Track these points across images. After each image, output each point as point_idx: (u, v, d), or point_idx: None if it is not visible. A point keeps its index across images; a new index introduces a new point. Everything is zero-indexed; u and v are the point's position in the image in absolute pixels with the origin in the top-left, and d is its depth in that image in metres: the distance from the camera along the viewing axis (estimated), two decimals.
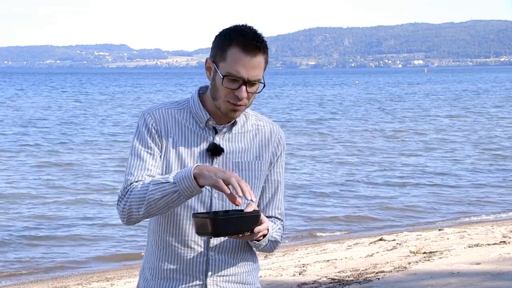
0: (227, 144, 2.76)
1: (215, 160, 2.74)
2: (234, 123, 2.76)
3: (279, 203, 2.88)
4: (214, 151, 2.73)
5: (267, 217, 2.83)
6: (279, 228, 2.83)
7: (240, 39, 2.65)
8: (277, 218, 2.87)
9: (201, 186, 2.57)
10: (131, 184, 2.68)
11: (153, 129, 2.73)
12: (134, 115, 38.64)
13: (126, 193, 2.68)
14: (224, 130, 2.76)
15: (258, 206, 2.83)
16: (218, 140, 2.75)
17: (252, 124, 2.82)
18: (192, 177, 2.55)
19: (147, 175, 2.69)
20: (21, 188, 16.08)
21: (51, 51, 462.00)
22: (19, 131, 29.41)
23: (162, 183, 2.60)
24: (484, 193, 15.70)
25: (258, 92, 2.72)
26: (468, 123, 33.01)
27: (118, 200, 2.71)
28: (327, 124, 33.35)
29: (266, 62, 2.73)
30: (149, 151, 2.72)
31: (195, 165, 2.59)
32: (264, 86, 2.72)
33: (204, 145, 2.74)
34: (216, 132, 2.75)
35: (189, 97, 2.81)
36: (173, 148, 2.74)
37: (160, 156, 2.74)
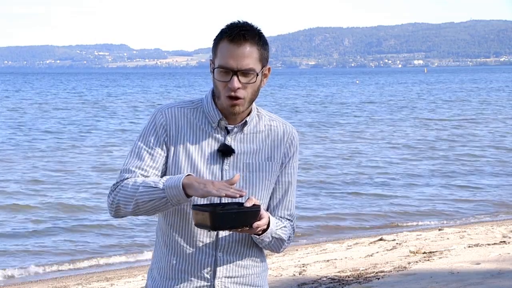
0: (239, 145, 2.75)
1: (225, 161, 2.73)
2: (245, 123, 2.75)
3: (289, 204, 2.85)
4: (225, 152, 2.72)
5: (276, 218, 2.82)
6: (284, 226, 2.80)
7: (227, 32, 2.68)
8: (286, 219, 2.84)
9: (189, 197, 2.59)
10: (124, 180, 2.69)
11: (161, 129, 2.73)
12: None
13: (117, 188, 2.69)
14: (236, 130, 2.74)
15: (268, 207, 2.82)
16: (229, 140, 2.74)
17: (265, 124, 2.80)
18: (181, 187, 2.56)
19: (141, 175, 2.69)
20: (20, 187, 16.08)
21: (51, 51, 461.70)
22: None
23: (152, 187, 2.61)
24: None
25: (253, 83, 2.68)
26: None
27: (109, 193, 2.72)
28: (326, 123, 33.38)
29: (261, 52, 2.70)
30: (149, 150, 2.72)
31: (186, 174, 2.61)
32: (258, 75, 2.69)
33: (215, 146, 2.73)
34: (228, 132, 2.74)
35: (203, 97, 2.81)
36: (183, 148, 2.73)
37: (167, 157, 2.73)
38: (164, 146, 2.73)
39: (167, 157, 2.74)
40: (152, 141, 2.73)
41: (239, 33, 2.66)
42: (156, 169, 2.72)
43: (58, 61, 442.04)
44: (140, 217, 13.15)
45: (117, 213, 2.71)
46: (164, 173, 2.77)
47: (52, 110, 42.96)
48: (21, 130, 30.21)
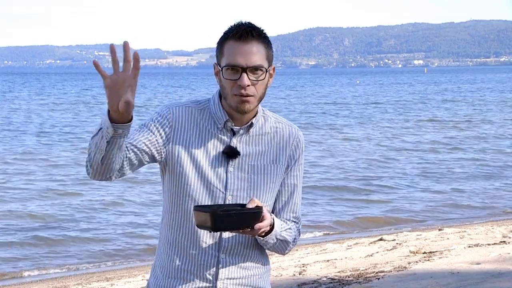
0: (244, 147, 2.74)
1: (230, 163, 2.72)
2: (251, 125, 2.74)
3: (295, 207, 2.84)
4: (230, 154, 2.71)
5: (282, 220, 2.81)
6: (289, 228, 2.79)
7: (233, 31, 2.68)
8: (292, 221, 2.83)
9: (112, 121, 2.42)
10: None
11: (166, 121, 2.71)
12: None
13: None
14: (241, 131, 2.74)
15: (273, 210, 2.81)
16: (235, 142, 2.73)
17: (271, 126, 2.80)
18: (107, 110, 2.44)
19: (129, 142, 2.63)
20: (20, 188, 16.08)
21: (51, 51, 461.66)
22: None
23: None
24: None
25: (262, 80, 2.68)
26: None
27: None
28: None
29: (268, 50, 2.71)
30: (148, 131, 2.68)
31: None
32: (267, 71, 2.69)
33: (221, 147, 2.72)
34: (234, 134, 2.74)
35: (210, 97, 2.80)
36: (188, 148, 2.72)
37: (165, 151, 2.70)
38: (165, 136, 2.70)
39: (166, 152, 2.72)
40: (154, 127, 2.69)
41: (246, 30, 2.66)
42: (148, 148, 2.66)
43: (58, 61, 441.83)
44: (141, 215, 13.15)
45: (87, 169, 2.59)
46: (163, 171, 2.77)
47: None
48: None
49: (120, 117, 2.41)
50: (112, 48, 2.36)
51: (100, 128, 2.47)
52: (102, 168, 2.54)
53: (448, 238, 10.00)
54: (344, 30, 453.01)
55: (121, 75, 2.38)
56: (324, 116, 37.95)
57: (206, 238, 2.73)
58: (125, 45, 2.36)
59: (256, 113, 2.77)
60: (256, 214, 2.59)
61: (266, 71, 2.69)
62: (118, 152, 2.51)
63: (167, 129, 2.71)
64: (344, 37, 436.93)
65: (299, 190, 2.85)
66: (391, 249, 9.42)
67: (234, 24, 2.70)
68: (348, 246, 10.17)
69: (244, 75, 2.64)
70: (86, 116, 38.28)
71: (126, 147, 2.61)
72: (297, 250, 10.33)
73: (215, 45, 2.77)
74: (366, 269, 8.16)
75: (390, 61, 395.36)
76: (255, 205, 2.60)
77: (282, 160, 2.79)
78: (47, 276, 9.98)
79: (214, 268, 2.74)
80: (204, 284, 2.74)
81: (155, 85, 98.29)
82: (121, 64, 2.42)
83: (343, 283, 7.47)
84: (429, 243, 9.64)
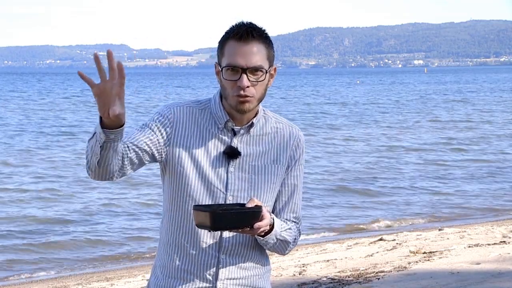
0: (245, 147, 2.74)
1: (231, 163, 2.72)
2: (252, 125, 2.74)
3: (295, 207, 2.84)
4: (231, 154, 2.72)
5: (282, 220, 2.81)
6: (289, 228, 2.79)
7: (234, 31, 2.67)
8: (292, 221, 2.83)
9: (103, 126, 2.43)
10: None
11: (167, 121, 2.70)
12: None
13: None
14: (242, 132, 2.73)
15: (274, 210, 2.81)
16: (236, 142, 2.73)
17: (272, 126, 2.80)
18: (99, 116, 2.44)
19: (130, 142, 2.63)
20: (19, 189, 16.08)
21: (51, 51, 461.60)
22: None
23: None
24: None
25: (261, 81, 2.67)
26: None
27: None
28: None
29: (269, 51, 2.70)
30: (149, 130, 2.69)
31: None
32: (268, 72, 2.69)
33: (221, 148, 2.72)
34: (234, 134, 2.74)
35: (211, 97, 2.80)
36: (189, 148, 2.71)
37: (166, 150, 2.70)
38: (166, 136, 2.70)
39: (166, 152, 2.72)
40: (154, 127, 2.69)
41: (246, 31, 2.65)
42: (149, 147, 2.66)
43: (58, 61, 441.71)
44: (140, 216, 13.14)
45: (87, 170, 2.59)
46: (164, 171, 2.77)
47: None
48: None
49: (111, 123, 2.42)
50: (96, 57, 2.36)
51: (95, 133, 2.49)
52: (100, 170, 2.55)
53: (448, 238, 10.00)
54: (344, 30, 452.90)
55: (108, 83, 2.38)
56: (324, 116, 37.97)
57: (206, 238, 2.73)
58: (109, 54, 2.37)
59: (257, 113, 2.76)
60: (256, 213, 2.59)
61: (267, 72, 2.69)
62: (114, 155, 2.52)
63: (168, 129, 2.71)
64: (344, 37, 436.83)
65: (300, 190, 2.84)
66: (391, 249, 9.42)
67: (236, 24, 2.69)
68: (348, 246, 10.17)
69: (244, 76, 2.64)
70: (85, 116, 38.29)
71: (128, 146, 2.62)
72: (297, 250, 10.33)
73: (215, 45, 2.77)
74: (366, 269, 8.16)
75: (390, 61, 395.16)
76: (255, 204, 2.60)
77: (283, 160, 2.79)
78: (47, 276, 9.98)
79: (214, 268, 2.73)
80: (204, 284, 2.74)
81: (155, 85, 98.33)
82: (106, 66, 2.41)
83: (343, 283, 7.46)
84: (429, 243, 9.64)
